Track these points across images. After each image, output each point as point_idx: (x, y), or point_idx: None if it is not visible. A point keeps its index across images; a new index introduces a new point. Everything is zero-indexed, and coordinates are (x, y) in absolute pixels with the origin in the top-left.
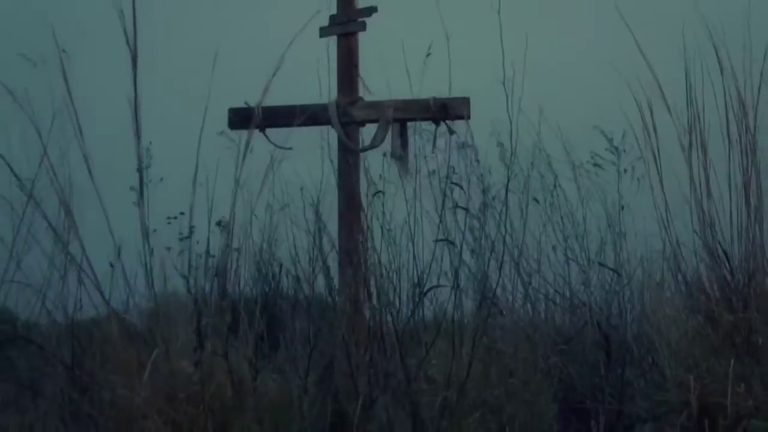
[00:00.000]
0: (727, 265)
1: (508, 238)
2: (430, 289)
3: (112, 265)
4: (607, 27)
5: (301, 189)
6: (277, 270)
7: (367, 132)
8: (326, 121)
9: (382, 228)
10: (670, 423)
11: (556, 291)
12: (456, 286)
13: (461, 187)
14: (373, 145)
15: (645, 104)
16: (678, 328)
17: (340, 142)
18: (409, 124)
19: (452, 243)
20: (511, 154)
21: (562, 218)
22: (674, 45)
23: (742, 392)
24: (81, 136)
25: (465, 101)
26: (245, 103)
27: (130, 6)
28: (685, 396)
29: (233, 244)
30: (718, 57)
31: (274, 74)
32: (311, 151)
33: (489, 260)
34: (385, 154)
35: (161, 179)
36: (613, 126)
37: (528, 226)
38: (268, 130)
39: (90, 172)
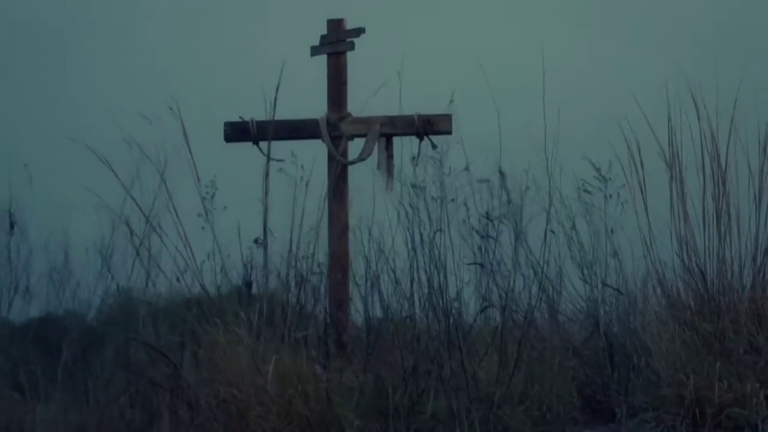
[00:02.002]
0: (702, 281)
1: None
2: (485, 308)
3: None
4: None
5: None
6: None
7: (355, 146)
8: (317, 135)
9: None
10: (667, 412)
11: (572, 305)
12: (503, 306)
13: (491, 220)
14: (360, 159)
15: (633, 142)
16: (664, 336)
17: (330, 156)
18: (394, 138)
19: (482, 265)
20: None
21: (578, 249)
22: (659, 95)
23: (725, 387)
24: (197, 178)
25: (447, 117)
26: (240, 117)
27: None
28: (679, 390)
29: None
30: (695, 104)
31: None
32: None
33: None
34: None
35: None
36: (599, 156)
37: (546, 252)
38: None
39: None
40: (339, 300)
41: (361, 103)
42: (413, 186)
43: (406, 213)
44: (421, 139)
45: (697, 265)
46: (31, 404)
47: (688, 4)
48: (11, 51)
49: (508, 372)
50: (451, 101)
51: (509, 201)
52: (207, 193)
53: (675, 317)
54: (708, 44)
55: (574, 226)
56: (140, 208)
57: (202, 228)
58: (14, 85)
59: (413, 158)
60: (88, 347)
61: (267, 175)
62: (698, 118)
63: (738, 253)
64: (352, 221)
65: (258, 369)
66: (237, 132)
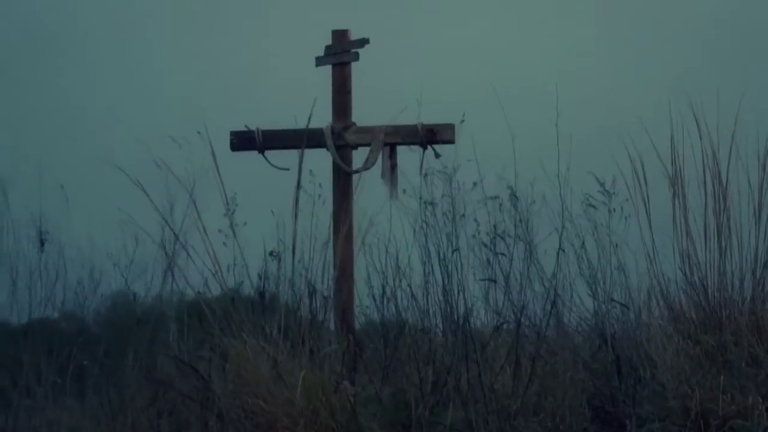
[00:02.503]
0: (704, 294)
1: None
2: (502, 324)
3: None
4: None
5: None
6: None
7: (360, 155)
8: (322, 145)
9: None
10: (673, 423)
11: (581, 319)
12: (518, 322)
13: (504, 239)
14: (365, 168)
15: (637, 159)
16: (669, 349)
17: (335, 164)
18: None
19: (495, 281)
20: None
21: (588, 267)
22: (662, 113)
23: (728, 400)
24: (226, 198)
25: (450, 127)
26: (245, 126)
27: None
28: (685, 402)
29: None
30: (697, 123)
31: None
32: None
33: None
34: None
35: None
36: (602, 171)
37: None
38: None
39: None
40: (344, 307)
41: (365, 112)
42: (425, 202)
43: (422, 229)
44: (425, 148)
45: (699, 279)
46: (53, 412)
47: (688, 24)
48: (42, 73)
49: (523, 385)
50: (462, 121)
51: (521, 220)
52: (228, 209)
53: (678, 330)
54: (709, 62)
55: (583, 245)
56: (170, 227)
57: (224, 244)
58: (42, 104)
59: (425, 175)
60: (107, 356)
61: (298, 184)
62: (700, 135)
63: (738, 267)
64: (370, 238)
65: (284, 381)
66: (243, 141)
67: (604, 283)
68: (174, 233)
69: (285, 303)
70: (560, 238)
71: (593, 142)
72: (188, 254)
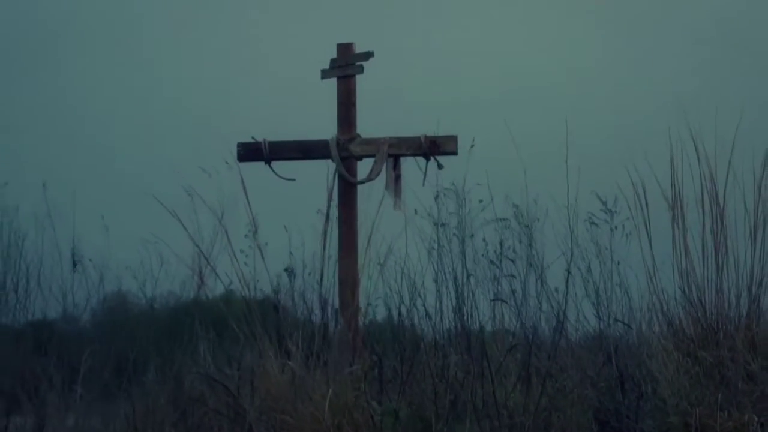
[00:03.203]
0: (702, 311)
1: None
2: (514, 346)
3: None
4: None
5: None
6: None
7: (364, 166)
8: (327, 156)
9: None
10: None
11: (587, 338)
12: (529, 344)
13: (513, 261)
14: (369, 179)
15: (639, 182)
16: (669, 366)
17: (340, 175)
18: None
19: (505, 302)
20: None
21: (593, 290)
22: (662, 139)
23: (725, 416)
24: (254, 225)
25: (453, 139)
26: (252, 137)
27: None
28: (685, 418)
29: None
30: (696, 147)
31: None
32: None
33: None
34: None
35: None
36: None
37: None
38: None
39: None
40: (347, 316)
41: (369, 123)
42: (436, 224)
43: (436, 250)
44: (428, 160)
45: (697, 296)
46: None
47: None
48: (72, 111)
49: (534, 402)
50: (472, 146)
51: (530, 245)
52: (249, 230)
53: (678, 348)
54: (708, 88)
55: (589, 269)
56: (202, 252)
57: (245, 264)
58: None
59: (436, 197)
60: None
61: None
62: (698, 159)
63: (735, 284)
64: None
65: (310, 398)
66: (250, 152)
67: (608, 303)
68: (205, 257)
69: (298, 316)
70: (569, 265)
71: (597, 168)
72: (218, 276)
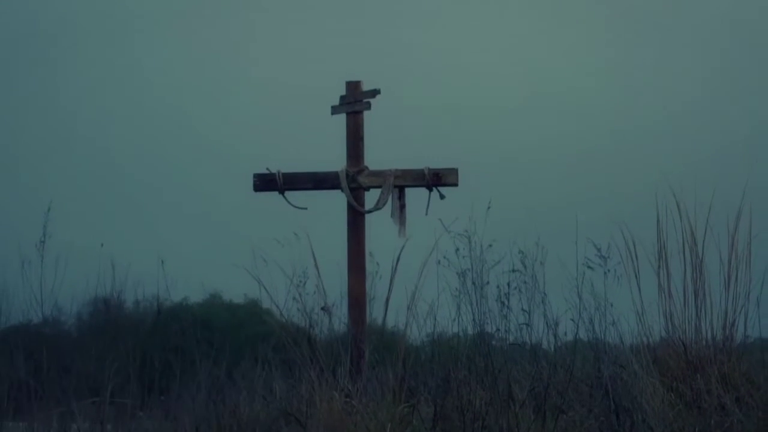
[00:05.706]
0: (682, 348)
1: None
2: (533, 389)
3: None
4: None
5: None
6: None
7: (371, 196)
8: (337, 186)
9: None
10: None
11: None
12: (546, 386)
13: (526, 312)
14: (376, 208)
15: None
16: (656, 398)
17: (349, 205)
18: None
19: (521, 346)
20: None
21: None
22: (648, 199)
23: None
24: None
25: (454, 171)
26: (267, 169)
27: None
28: None
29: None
30: (678, 206)
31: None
32: None
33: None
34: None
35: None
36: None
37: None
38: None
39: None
40: (356, 338)
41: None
42: (458, 273)
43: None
44: (431, 190)
45: (679, 335)
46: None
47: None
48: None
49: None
50: (488, 208)
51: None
52: (300, 281)
53: (663, 383)
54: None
55: (592, 321)
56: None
57: (297, 309)
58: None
59: (457, 249)
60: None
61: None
62: (680, 217)
63: (711, 325)
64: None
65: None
66: (265, 183)
67: (606, 348)
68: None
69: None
70: (577, 323)
71: (594, 224)
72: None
